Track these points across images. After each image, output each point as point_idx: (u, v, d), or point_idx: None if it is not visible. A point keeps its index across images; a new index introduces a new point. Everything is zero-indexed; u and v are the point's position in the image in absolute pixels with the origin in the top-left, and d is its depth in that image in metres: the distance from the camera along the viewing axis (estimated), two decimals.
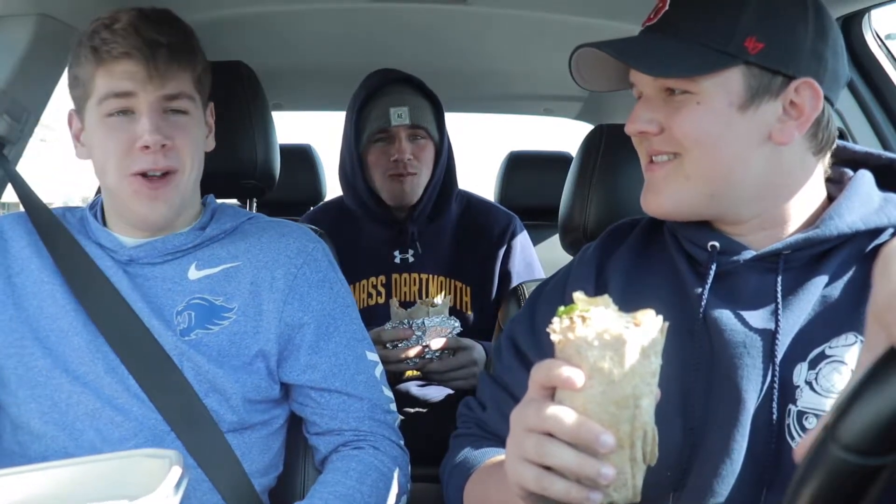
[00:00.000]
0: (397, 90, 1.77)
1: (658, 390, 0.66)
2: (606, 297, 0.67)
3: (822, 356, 0.87)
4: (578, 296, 0.67)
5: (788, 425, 0.86)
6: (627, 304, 0.94)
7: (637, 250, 1.05)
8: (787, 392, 0.87)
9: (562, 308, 0.66)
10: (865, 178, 0.94)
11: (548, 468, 0.67)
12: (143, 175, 1.11)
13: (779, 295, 0.89)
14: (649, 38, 0.93)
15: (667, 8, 0.92)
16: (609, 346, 0.63)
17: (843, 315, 0.88)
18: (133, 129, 1.10)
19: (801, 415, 0.86)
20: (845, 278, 0.90)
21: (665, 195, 0.94)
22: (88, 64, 1.10)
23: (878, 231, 0.90)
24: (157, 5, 1.15)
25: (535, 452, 0.67)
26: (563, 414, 0.65)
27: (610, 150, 1.49)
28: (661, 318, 0.66)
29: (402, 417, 1.30)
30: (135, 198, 1.12)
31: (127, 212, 1.16)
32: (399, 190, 1.77)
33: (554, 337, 0.65)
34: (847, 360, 0.85)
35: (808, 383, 0.86)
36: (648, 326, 0.64)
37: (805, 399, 0.86)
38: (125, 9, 1.12)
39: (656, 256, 1.03)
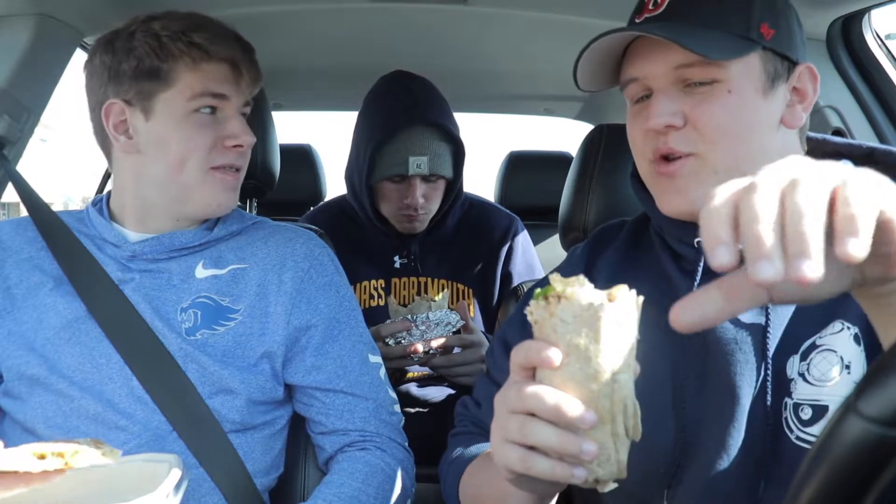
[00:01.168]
0: (418, 135, 1.69)
1: (637, 365, 0.66)
2: (581, 277, 0.66)
3: (813, 347, 0.87)
4: (554, 276, 0.67)
5: (786, 418, 0.86)
6: None
7: (624, 251, 1.05)
8: (782, 385, 0.87)
9: (538, 290, 0.66)
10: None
11: (532, 447, 0.67)
12: (222, 168, 1.16)
13: (769, 308, 0.88)
14: (667, 25, 0.90)
15: None
16: (584, 323, 0.63)
17: (830, 303, 0.87)
18: (220, 128, 1.15)
19: (797, 407, 0.86)
20: None
21: (693, 194, 0.90)
22: (184, 58, 1.11)
23: None
24: (160, 6, 1.15)
25: (518, 433, 0.67)
26: (543, 392, 0.65)
27: (610, 150, 1.50)
28: (634, 292, 0.65)
29: (404, 418, 1.30)
30: (217, 187, 1.16)
31: (191, 202, 1.16)
32: (408, 226, 1.77)
33: (530, 318, 0.65)
34: (836, 348, 0.85)
35: (801, 374, 0.86)
36: (622, 301, 0.64)
37: (799, 391, 0.86)
38: (197, 14, 1.16)
39: (644, 257, 1.03)
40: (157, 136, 1.13)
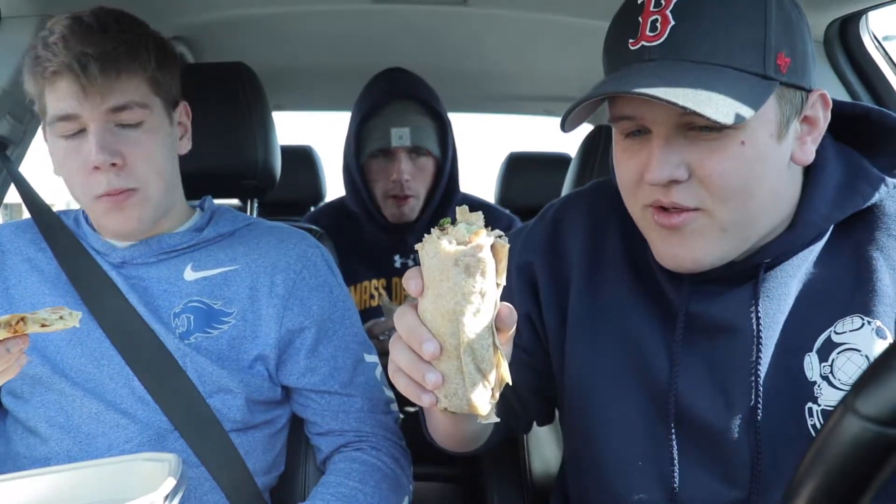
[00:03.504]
0: (401, 108, 1.75)
1: (492, 311, 0.67)
2: (479, 214, 0.69)
3: (831, 344, 0.84)
4: (460, 209, 0.69)
5: (813, 426, 0.83)
6: (591, 292, 0.93)
7: (596, 233, 1.00)
8: (803, 389, 0.84)
9: (442, 220, 0.69)
10: (826, 160, 0.88)
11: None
12: (105, 195, 1.07)
13: (759, 299, 0.86)
14: (671, 66, 0.77)
15: (672, 23, 0.78)
16: (440, 260, 0.65)
17: (840, 294, 0.85)
18: (85, 150, 1.05)
19: (826, 414, 0.83)
20: (830, 252, 0.87)
21: (701, 251, 0.83)
22: (33, 82, 1.06)
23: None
24: (155, 7, 1.14)
25: (391, 352, 0.71)
26: (404, 318, 0.69)
27: (609, 150, 1.50)
28: (491, 238, 0.66)
29: (403, 416, 1.30)
30: (106, 216, 1.10)
31: (103, 227, 1.16)
32: (397, 211, 1.79)
33: (417, 245, 0.68)
34: (860, 346, 0.82)
35: (825, 378, 0.84)
36: (477, 247, 0.65)
37: (827, 396, 0.83)
38: (62, 17, 1.06)
39: (616, 243, 0.98)
40: (55, 162, 1.11)
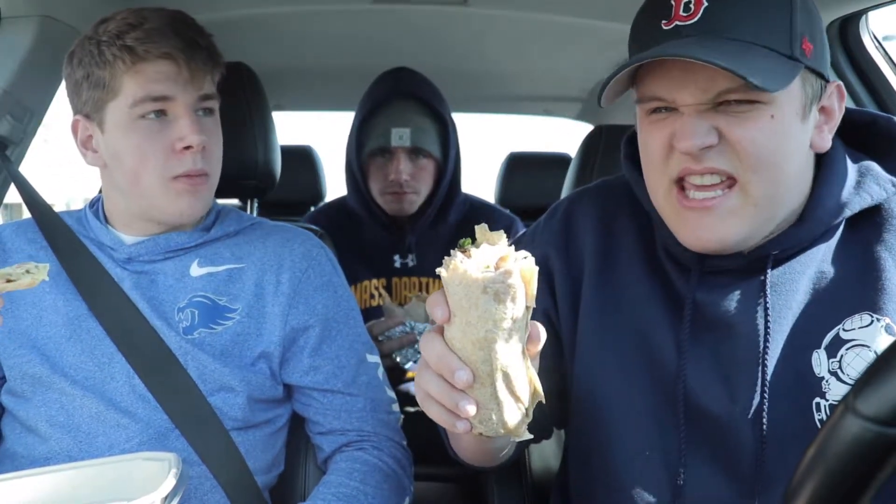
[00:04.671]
0: (401, 108, 1.75)
1: (523, 335, 0.66)
2: (501, 233, 0.67)
3: (840, 341, 0.85)
4: (479, 227, 0.68)
5: (821, 420, 0.84)
6: (603, 286, 0.93)
7: (608, 225, 1.01)
8: (811, 384, 0.85)
9: (462, 240, 0.67)
10: (837, 157, 0.91)
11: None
12: (184, 176, 1.11)
13: (767, 293, 0.87)
14: (707, 40, 0.80)
15: (706, 3, 0.81)
16: (467, 287, 0.63)
17: (849, 293, 0.86)
18: (171, 131, 1.10)
19: (834, 409, 0.83)
20: (840, 252, 0.88)
21: (731, 229, 0.84)
22: (118, 63, 1.07)
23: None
24: (156, 5, 1.15)
25: (419, 379, 0.70)
26: (432, 346, 0.67)
27: (609, 150, 1.50)
28: (518, 261, 0.65)
29: (403, 417, 1.30)
30: (178, 198, 1.12)
31: (158, 211, 1.14)
32: (396, 206, 1.79)
33: (439, 269, 0.66)
34: (869, 343, 0.83)
35: (833, 373, 0.85)
36: (505, 271, 0.64)
37: (835, 392, 0.84)
38: (149, 9, 1.11)
39: (628, 237, 0.99)
40: (112, 148, 1.12)
